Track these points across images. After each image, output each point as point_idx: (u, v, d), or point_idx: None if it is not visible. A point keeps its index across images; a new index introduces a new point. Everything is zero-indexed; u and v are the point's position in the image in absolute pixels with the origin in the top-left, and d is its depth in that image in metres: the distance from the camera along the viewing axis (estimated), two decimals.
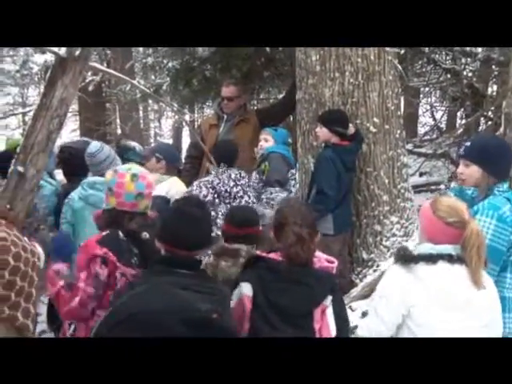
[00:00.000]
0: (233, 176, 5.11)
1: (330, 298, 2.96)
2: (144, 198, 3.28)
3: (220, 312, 1.21)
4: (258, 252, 3.13)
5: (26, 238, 1.85)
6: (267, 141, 5.69)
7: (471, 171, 3.54)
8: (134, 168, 3.40)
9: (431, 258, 2.92)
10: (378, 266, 5.41)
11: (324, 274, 3.03)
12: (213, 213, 4.92)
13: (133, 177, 3.28)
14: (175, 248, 2.69)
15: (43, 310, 5.72)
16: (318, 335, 2.95)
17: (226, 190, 5.03)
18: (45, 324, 5.84)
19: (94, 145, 4.98)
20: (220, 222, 4.65)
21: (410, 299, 2.92)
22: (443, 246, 2.93)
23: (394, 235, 5.51)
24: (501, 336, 3.05)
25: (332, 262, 3.10)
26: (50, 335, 5.88)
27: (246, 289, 2.97)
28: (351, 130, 5.19)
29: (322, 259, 3.07)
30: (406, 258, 2.99)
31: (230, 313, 2.64)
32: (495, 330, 3.00)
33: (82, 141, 6.15)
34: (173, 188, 5.22)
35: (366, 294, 4.93)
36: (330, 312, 2.96)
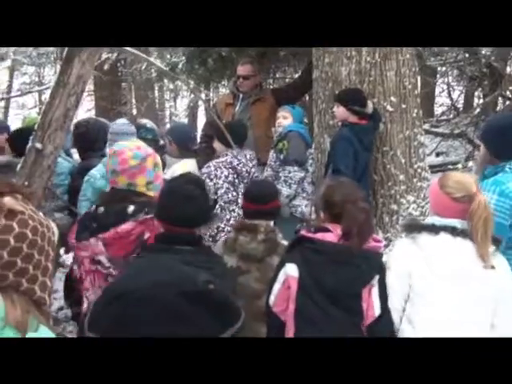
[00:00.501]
0: (248, 156, 5.10)
1: (377, 277, 2.95)
2: (119, 174, 3.24)
3: (217, 283, 1.22)
4: (304, 232, 3.09)
5: (41, 214, 1.86)
6: (286, 118, 5.67)
7: (483, 152, 3.56)
8: (119, 144, 3.39)
9: (433, 229, 2.93)
10: (393, 245, 5.39)
11: (372, 254, 3.00)
12: (234, 193, 4.92)
13: (112, 153, 3.30)
14: (172, 226, 2.69)
15: (60, 286, 5.77)
16: (364, 315, 2.94)
17: (246, 171, 5.03)
18: (62, 300, 5.91)
19: (121, 121, 5.00)
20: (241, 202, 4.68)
21: (412, 268, 2.93)
22: (449, 219, 2.93)
23: (410, 215, 5.48)
24: (504, 332, 2.99)
25: (379, 241, 3.08)
26: (68, 311, 5.95)
27: (292, 270, 2.96)
28: (369, 108, 5.15)
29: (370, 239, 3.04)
30: (410, 228, 3.01)
31: (230, 286, 2.60)
32: (505, 318, 2.96)
33: (94, 118, 6.18)
34: (177, 171, 5.22)
35: None
36: (375, 291, 2.94)
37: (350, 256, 2.94)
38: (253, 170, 5.09)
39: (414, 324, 2.95)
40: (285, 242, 3.63)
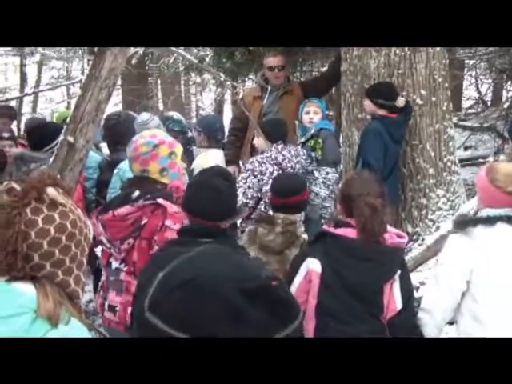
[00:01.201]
0: (293, 152, 5.07)
1: (398, 272, 2.95)
2: (132, 161, 3.27)
3: (279, 280, 1.19)
4: (326, 227, 3.09)
5: (79, 210, 1.88)
6: (317, 114, 5.46)
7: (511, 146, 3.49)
8: (139, 134, 3.42)
9: (489, 220, 2.88)
10: (423, 239, 5.36)
11: (393, 250, 2.99)
12: None
13: (130, 142, 3.34)
14: (196, 218, 2.68)
15: (89, 279, 5.83)
16: (385, 310, 2.94)
17: (291, 167, 4.99)
18: (91, 293, 5.96)
19: (145, 114, 5.02)
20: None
21: (470, 264, 2.88)
22: (503, 209, 2.89)
23: (439, 209, 5.45)
24: None
25: (402, 237, 3.07)
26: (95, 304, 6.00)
27: (314, 265, 2.97)
28: (400, 101, 5.11)
29: (393, 235, 3.01)
30: (464, 224, 2.96)
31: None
32: None
33: (125, 112, 6.21)
34: (199, 162, 5.23)
35: (411, 269, 4.90)
36: (397, 286, 2.94)
37: (371, 252, 2.94)
38: (297, 165, 5.04)
39: (481, 321, 2.89)
40: (305, 236, 3.64)
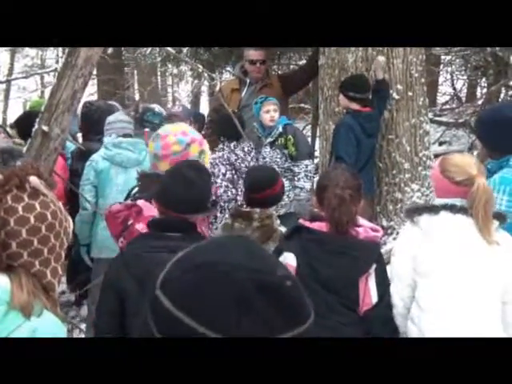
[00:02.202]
0: (246, 149, 5.04)
1: (374, 266, 2.96)
2: (161, 160, 3.11)
3: (294, 281, 1.19)
4: (302, 221, 3.09)
5: (60, 204, 1.86)
6: (276, 111, 5.45)
7: (480, 147, 3.52)
8: (164, 128, 3.29)
9: (433, 209, 2.93)
10: (397, 233, 5.38)
11: (368, 244, 3.01)
12: (233, 191, 4.88)
13: (155, 136, 3.19)
14: (166, 210, 2.64)
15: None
16: (360, 303, 2.96)
17: (245, 166, 4.95)
18: (64, 285, 5.91)
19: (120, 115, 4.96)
20: (241, 199, 4.60)
21: (414, 250, 2.93)
22: (449, 199, 2.93)
23: (414, 203, 5.47)
24: None
25: (377, 231, 3.08)
26: (71, 296, 5.96)
27: (290, 259, 2.97)
28: (379, 74, 5.18)
29: (367, 228, 3.02)
30: (412, 212, 3.01)
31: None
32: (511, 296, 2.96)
33: (102, 101, 6.16)
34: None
35: (386, 262, 4.92)
36: (372, 280, 2.96)
37: (346, 246, 2.96)
38: (251, 163, 5.01)
39: (422, 306, 2.95)
40: (282, 229, 3.63)
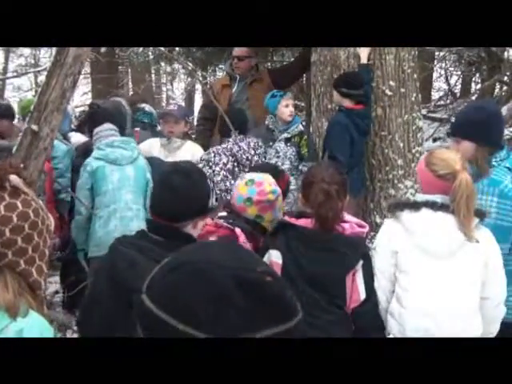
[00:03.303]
0: (252, 144, 5.03)
1: (361, 262, 2.95)
2: (253, 204, 3.22)
3: (275, 276, 1.18)
4: (287, 218, 3.09)
5: (40, 202, 1.86)
6: (293, 106, 5.49)
7: (464, 147, 3.44)
8: (256, 174, 3.38)
9: (414, 205, 2.96)
10: None
11: (355, 240, 3.00)
12: (232, 181, 4.88)
13: (249, 181, 3.28)
14: (155, 216, 2.65)
15: (56, 271, 5.77)
16: (348, 300, 2.96)
17: (247, 158, 4.94)
18: (58, 285, 5.91)
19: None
20: None
21: (395, 246, 2.97)
22: (430, 195, 2.95)
23: (408, 199, 5.47)
24: (497, 300, 3.03)
25: (363, 227, 3.08)
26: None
27: (276, 256, 2.96)
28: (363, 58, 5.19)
29: (353, 224, 3.02)
30: (394, 207, 3.05)
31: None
32: (495, 287, 2.99)
33: (111, 100, 6.17)
34: (196, 152, 5.16)
35: None
36: (360, 276, 2.96)
37: (332, 242, 2.96)
38: (255, 157, 5.00)
39: (402, 302, 2.97)
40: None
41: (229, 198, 4.77)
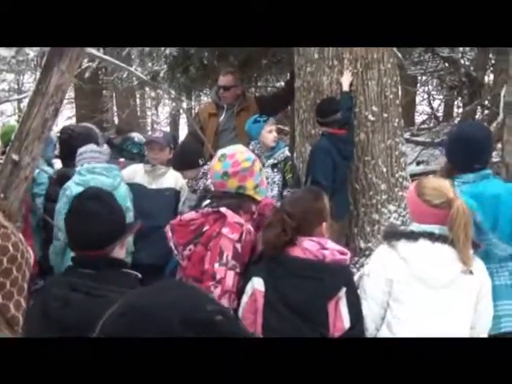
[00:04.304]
0: None
1: (344, 289, 2.94)
2: (230, 177, 3.20)
3: (227, 314, 1.16)
4: None
5: (20, 235, 1.84)
6: (275, 132, 5.47)
7: (445, 167, 3.54)
8: (226, 148, 3.39)
9: (412, 236, 2.94)
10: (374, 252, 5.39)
11: (337, 267, 2.99)
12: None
13: (221, 156, 3.27)
14: (79, 250, 2.60)
15: None
16: (331, 328, 2.93)
17: None
18: None
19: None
20: None
21: (391, 275, 2.95)
22: (428, 225, 2.93)
23: (391, 224, 5.47)
24: (482, 330, 3.06)
25: (345, 254, 3.07)
26: None
27: (258, 284, 2.95)
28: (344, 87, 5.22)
29: (334, 252, 3.00)
30: (389, 236, 3.03)
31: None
32: (483, 319, 3.02)
33: (82, 125, 6.12)
34: (180, 179, 5.13)
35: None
36: (343, 304, 2.93)
37: (313, 270, 2.94)
38: None
39: (393, 331, 2.96)
40: None
41: None
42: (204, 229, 3.09)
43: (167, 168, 5.06)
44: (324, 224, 3.06)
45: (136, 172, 5.13)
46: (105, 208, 2.59)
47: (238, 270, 3.03)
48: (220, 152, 3.33)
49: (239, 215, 3.12)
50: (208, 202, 3.23)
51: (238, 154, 3.26)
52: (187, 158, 4.94)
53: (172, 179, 5.02)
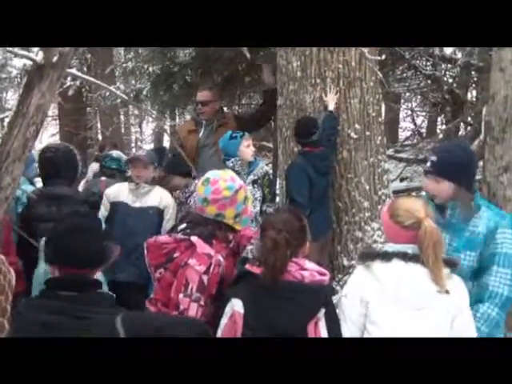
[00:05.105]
0: None
1: (323, 310, 2.92)
2: (209, 203, 3.18)
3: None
4: (248, 266, 3.07)
5: (2, 256, 1.82)
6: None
7: (443, 187, 3.37)
8: (212, 172, 3.34)
9: (386, 256, 2.94)
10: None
11: (316, 288, 2.96)
12: None
13: (205, 180, 3.25)
14: (67, 267, 2.56)
15: None
16: None
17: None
18: None
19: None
20: None
21: (366, 296, 2.94)
22: (401, 245, 2.94)
23: (374, 242, 5.49)
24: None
25: (324, 275, 3.05)
26: None
27: (238, 305, 2.92)
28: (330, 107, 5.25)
29: (313, 273, 2.97)
30: (365, 257, 3.03)
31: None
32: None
33: (63, 144, 6.07)
34: (164, 198, 5.11)
35: None
36: (322, 324, 2.91)
37: (291, 291, 2.92)
38: None
39: None
40: None
41: None
42: (175, 255, 3.08)
43: (151, 186, 5.04)
44: (307, 243, 3.06)
45: (120, 190, 5.11)
46: (99, 227, 2.62)
47: (201, 303, 3.00)
48: (206, 175, 3.31)
49: (211, 244, 3.10)
50: (184, 226, 3.21)
51: (220, 181, 3.23)
52: (180, 162, 4.97)
53: (156, 198, 5.01)
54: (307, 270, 2.97)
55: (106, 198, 5.08)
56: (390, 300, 2.89)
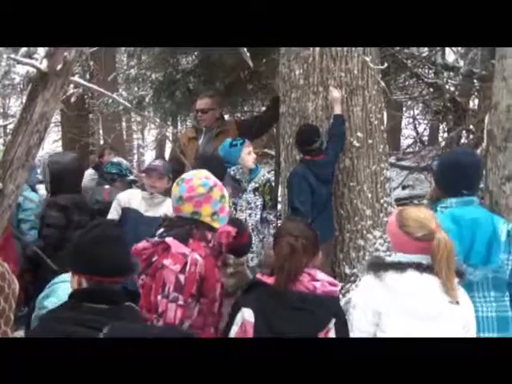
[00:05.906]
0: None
1: (333, 320, 2.92)
2: (185, 202, 3.16)
3: None
4: (259, 275, 3.06)
5: (6, 265, 1.82)
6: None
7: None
8: (187, 173, 3.37)
9: (400, 266, 2.93)
10: (360, 280, 5.39)
11: (327, 299, 2.96)
12: None
13: (180, 180, 3.26)
14: (95, 276, 2.55)
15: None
16: None
17: None
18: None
19: None
20: None
21: (379, 307, 2.93)
22: (414, 255, 2.93)
23: (376, 250, 5.49)
24: None
25: (335, 285, 3.05)
26: None
27: (248, 315, 2.91)
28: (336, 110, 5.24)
29: (325, 283, 2.98)
30: (376, 267, 3.01)
31: None
32: None
33: (63, 154, 6.10)
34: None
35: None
36: (332, 335, 2.90)
37: (303, 301, 2.92)
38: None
39: None
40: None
41: None
42: (153, 259, 3.06)
43: (164, 197, 5.02)
44: (320, 254, 3.07)
45: (133, 197, 5.10)
46: (125, 235, 2.68)
47: (180, 303, 2.93)
48: (182, 175, 3.33)
49: (187, 244, 3.06)
50: (162, 230, 3.20)
51: (195, 178, 3.22)
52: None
53: (169, 209, 5.01)
54: (319, 280, 2.97)
55: (117, 203, 5.08)
56: (403, 310, 2.88)
